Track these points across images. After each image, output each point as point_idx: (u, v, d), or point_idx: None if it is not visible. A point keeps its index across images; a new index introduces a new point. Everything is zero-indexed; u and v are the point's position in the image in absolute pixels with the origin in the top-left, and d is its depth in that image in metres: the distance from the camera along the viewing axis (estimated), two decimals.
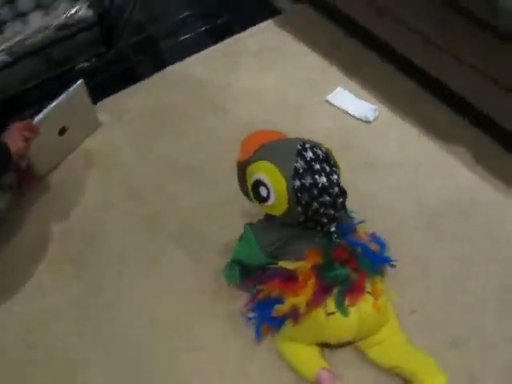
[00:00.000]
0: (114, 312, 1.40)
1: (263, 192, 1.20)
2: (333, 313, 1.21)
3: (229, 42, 2.06)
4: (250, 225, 1.32)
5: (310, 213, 1.18)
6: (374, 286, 1.24)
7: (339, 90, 1.83)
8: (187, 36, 2.12)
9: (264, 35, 2.06)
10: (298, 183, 1.16)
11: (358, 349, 1.29)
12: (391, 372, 1.25)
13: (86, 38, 2.02)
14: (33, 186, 1.66)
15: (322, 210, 1.18)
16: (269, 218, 1.29)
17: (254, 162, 1.22)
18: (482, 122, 1.64)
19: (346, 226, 1.27)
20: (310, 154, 1.19)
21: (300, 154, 1.18)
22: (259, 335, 1.32)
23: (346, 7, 1.91)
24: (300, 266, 1.22)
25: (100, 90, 1.87)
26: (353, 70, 1.90)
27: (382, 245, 1.30)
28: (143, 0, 1.99)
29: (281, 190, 1.17)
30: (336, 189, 1.19)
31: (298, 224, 1.22)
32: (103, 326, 1.38)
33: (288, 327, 1.28)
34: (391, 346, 1.26)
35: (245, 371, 1.30)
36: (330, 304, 1.21)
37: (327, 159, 1.21)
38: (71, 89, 1.61)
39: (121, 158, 1.73)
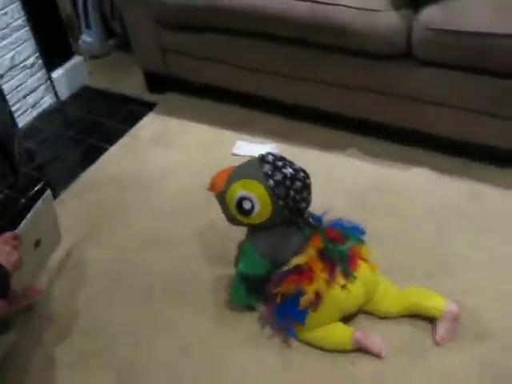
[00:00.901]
0: None
1: (247, 205, 1.42)
2: (345, 285, 1.44)
3: (125, 140, 2.30)
4: (245, 240, 1.52)
5: (291, 202, 1.41)
6: (364, 253, 1.51)
7: (239, 142, 2.17)
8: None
9: (151, 127, 2.35)
10: (271, 182, 1.39)
11: (368, 312, 1.53)
12: (402, 315, 1.52)
13: None
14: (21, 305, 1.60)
15: (298, 196, 1.41)
16: (253, 230, 1.51)
17: (229, 186, 1.46)
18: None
19: (318, 217, 1.54)
20: (270, 158, 1.45)
21: (263, 161, 1.44)
22: (293, 333, 1.49)
23: (215, 80, 2.31)
24: (307, 256, 1.43)
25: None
26: (241, 125, 2.26)
27: (350, 221, 1.58)
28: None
29: (262, 195, 1.40)
30: (301, 173, 1.44)
31: (284, 220, 1.45)
32: None
33: (311, 317, 1.46)
34: (391, 296, 1.53)
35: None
36: (339, 279, 1.44)
37: (282, 156, 1.47)
38: (41, 200, 1.59)
39: None
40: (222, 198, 1.50)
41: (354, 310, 1.52)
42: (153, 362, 1.53)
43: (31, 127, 2.44)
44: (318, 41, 1.95)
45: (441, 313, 1.46)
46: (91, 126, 2.41)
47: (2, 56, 2.26)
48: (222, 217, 1.53)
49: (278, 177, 1.40)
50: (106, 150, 2.25)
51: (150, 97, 2.51)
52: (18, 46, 2.32)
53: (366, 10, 1.83)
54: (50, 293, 1.74)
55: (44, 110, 2.51)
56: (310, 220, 1.50)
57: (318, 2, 1.87)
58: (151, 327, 1.62)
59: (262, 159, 1.45)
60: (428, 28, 1.76)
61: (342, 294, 1.45)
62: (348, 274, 1.45)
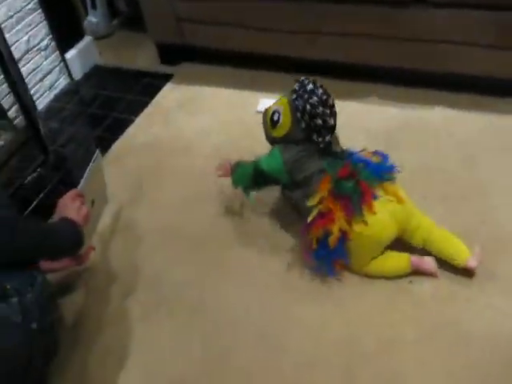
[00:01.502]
0: None
1: (275, 117, 1.64)
2: (365, 221, 1.53)
3: (149, 110, 2.37)
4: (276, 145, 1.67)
5: (307, 115, 1.57)
6: (386, 190, 1.57)
7: (262, 100, 2.27)
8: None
9: (172, 96, 2.43)
10: (294, 95, 1.60)
11: (405, 243, 1.63)
12: (428, 250, 1.61)
13: (24, 154, 2.20)
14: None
15: (313, 110, 1.56)
16: (283, 143, 1.65)
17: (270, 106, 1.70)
18: None
19: (347, 151, 1.66)
20: (302, 78, 1.64)
21: (296, 81, 1.65)
22: (332, 272, 1.61)
23: (232, 45, 2.39)
24: (319, 196, 1.55)
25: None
26: (262, 86, 2.36)
27: (385, 156, 1.65)
28: None
29: (285, 106, 1.62)
30: (320, 90, 1.59)
31: (304, 137, 1.59)
32: None
33: (356, 257, 1.59)
34: (425, 228, 1.61)
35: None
36: (360, 217, 1.53)
37: (314, 90, 1.60)
38: (92, 161, 1.65)
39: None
40: (264, 115, 1.71)
41: (390, 240, 1.59)
42: (219, 307, 1.61)
43: (50, 109, 2.50)
44: None
45: (462, 265, 1.57)
46: (110, 101, 2.48)
47: (19, 40, 2.32)
48: None
49: (301, 91, 1.60)
50: (132, 121, 2.33)
51: (164, 69, 2.58)
52: (32, 29, 2.37)
53: None
54: (108, 253, 1.82)
55: (60, 91, 2.57)
56: (334, 149, 1.64)
57: None
58: (210, 274, 1.70)
59: (295, 81, 1.65)
60: None
61: (371, 229, 1.53)
62: (358, 212, 1.53)
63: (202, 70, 2.53)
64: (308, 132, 1.59)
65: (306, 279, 1.64)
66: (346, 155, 1.64)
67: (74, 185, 1.59)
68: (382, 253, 1.61)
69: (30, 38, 2.37)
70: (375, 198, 1.54)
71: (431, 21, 2.01)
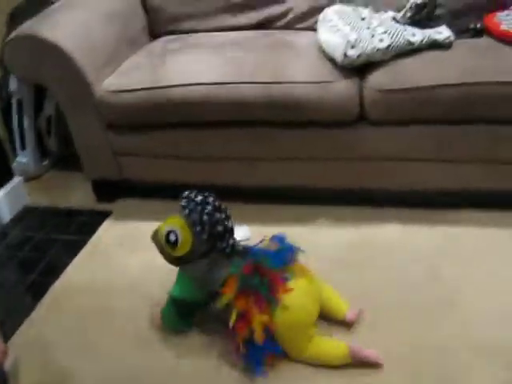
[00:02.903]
0: None
1: (172, 237, 1.66)
2: (285, 306, 1.59)
3: (87, 249, 2.25)
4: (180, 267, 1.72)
5: (207, 226, 1.63)
6: (293, 271, 1.67)
7: None
8: None
9: (111, 234, 2.33)
10: (186, 211, 1.65)
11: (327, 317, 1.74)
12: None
13: None
14: None
15: (212, 219, 1.64)
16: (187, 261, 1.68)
17: (159, 227, 1.72)
18: None
19: (247, 247, 1.73)
20: (185, 193, 1.71)
21: (180, 197, 1.71)
22: (259, 371, 1.62)
23: (174, 177, 2.37)
24: (227, 298, 1.59)
25: None
26: None
27: (281, 239, 1.75)
28: None
29: (181, 225, 1.65)
30: (211, 198, 1.69)
31: (208, 248, 1.66)
32: None
33: (289, 345, 1.62)
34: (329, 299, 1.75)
35: None
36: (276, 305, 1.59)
37: (199, 190, 1.72)
38: None
39: None
40: (155, 239, 1.73)
41: (313, 316, 1.67)
42: None
43: None
44: (274, 119, 2.12)
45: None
46: (44, 243, 2.34)
47: None
48: None
49: (191, 206, 1.67)
50: (69, 262, 2.18)
51: (101, 206, 2.51)
52: None
53: (318, 82, 2.03)
54: None
55: None
56: (237, 247, 1.70)
57: (271, 83, 2.06)
58: None
59: (180, 197, 1.72)
60: (378, 90, 1.99)
61: (290, 313, 1.59)
62: (271, 300, 1.59)
63: (142, 205, 2.46)
64: (211, 242, 1.66)
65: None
66: (248, 251, 1.71)
67: None
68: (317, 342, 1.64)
69: None
70: (286, 279, 1.64)
71: (374, 139, 2.09)
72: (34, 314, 1.96)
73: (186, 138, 2.24)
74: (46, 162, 2.79)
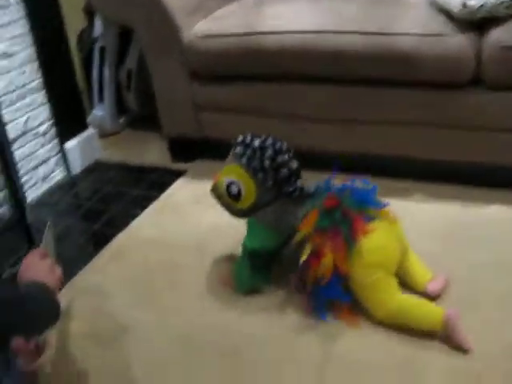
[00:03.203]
0: None
1: (234, 190, 1.51)
2: (362, 250, 1.41)
3: (158, 204, 2.10)
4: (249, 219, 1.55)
5: (270, 171, 1.46)
6: (376, 212, 1.48)
7: None
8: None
9: (185, 191, 2.17)
10: (244, 160, 1.49)
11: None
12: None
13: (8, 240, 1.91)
14: None
15: (274, 164, 1.46)
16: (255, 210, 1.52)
17: (217, 179, 1.57)
18: None
19: (327, 183, 1.53)
20: (239, 139, 1.54)
21: (234, 144, 1.55)
22: (324, 315, 1.46)
23: None
24: (303, 234, 1.43)
25: None
26: None
27: (365, 182, 1.54)
28: None
29: (241, 175, 1.49)
30: (269, 141, 1.49)
31: (275, 194, 1.49)
32: None
33: (366, 297, 1.43)
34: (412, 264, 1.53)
35: None
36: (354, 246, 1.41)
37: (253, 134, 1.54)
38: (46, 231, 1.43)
39: None
40: (215, 193, 1.58)
41: (396, 261, 1.47)
42: None
43: (41, 200, 2.21)
44: (375, 75, 1.90)
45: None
46: (112, 196, 2.20)
47: (16, 118, 2.09)
48: None
49: (249, 152, 1.49)
50: (137, 215, 2.03)
51: (175, 166, 2.35)
52: (32, 110, 2.16)
53: (430, 35, 1.81)
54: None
55: (55, 184, 2.30)
56: (306, 189, 1.52)
57: (376, 33, 1.85)
58: None
59: (234, 142, 1.55)
60: (500, 47, 1.74)
61: (370, 255, 1.41)
62: (348, 239, 1.42)
63: (220, 166, 2.28)
64: (277, 187, 1.49)
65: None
66: (326, 187, 1.52)
67: None
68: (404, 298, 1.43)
69: (28, 120, 2.14)
70: (369, 220, 1.45)
71: (489, 106, 1.83)
72: (95, 262, 1.82)
73: (275, 93, 2.06)
74: (122, 120, 2.67)
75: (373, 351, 1.37)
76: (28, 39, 2.11)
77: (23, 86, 2.11)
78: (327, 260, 1.40)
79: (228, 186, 1.52)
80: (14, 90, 2.07)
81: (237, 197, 1.51)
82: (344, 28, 1.89)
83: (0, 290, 1.10)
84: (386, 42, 1.83)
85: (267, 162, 1.47)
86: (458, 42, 1.79)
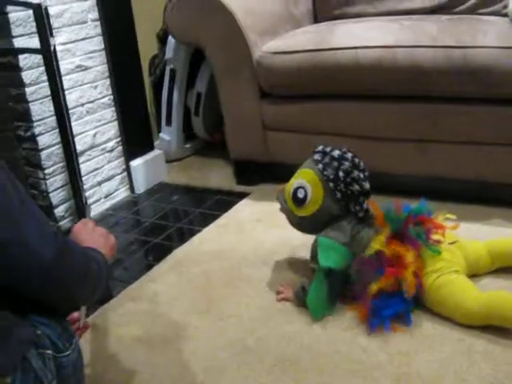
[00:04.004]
0: None
1: (301, 194, 1.49)
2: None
3: (221, 221, 2.06)
4: (316, 238, 1.49)
5: (341, 184, 1.44)
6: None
7: None
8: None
9: (249, 210, 2.12)
10: (320, 165, 1.47)
11: None
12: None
13: None
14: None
15: (348, 178, 1.44)
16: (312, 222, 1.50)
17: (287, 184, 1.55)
18: None
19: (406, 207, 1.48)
20: (320, 147, 1.53)
21: (314, 151, 1.53)
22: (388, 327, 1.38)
23: None
24: (378, 242, 1.39)
25: None
26: None
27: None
28: None
29: (312, 179, 1.47)
30: (349, 154, 1.48)
31: (339, 209, 1.46)
32: None
33: (448, 302, 1.37)
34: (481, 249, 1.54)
35: None
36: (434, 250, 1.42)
37: (343, 155, 1.49)
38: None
39: None
40: (281, 197, 1.56)
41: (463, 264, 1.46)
42: None
43: (104, 217, 2.20)
44: (455, 90, 1.82)
45: None
46: (175, 214, 2.18)
47: (85, 132, 2.12)
48: None
49: (326, 159, 1.48)
50: (199, 231, 1.99)
51: (240, 188, 2.31)
52: (101, 125, 2.19)
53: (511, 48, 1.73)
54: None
55: (118, 202, 2.29)
56: (371, 212, 1.49)
57: (455, 47, 1.78)
58: None
59: (314, 150, 1.53)
60: None
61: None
62: (430, 247, 1.42)
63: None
64: (344, 202, 1.46)
65: None
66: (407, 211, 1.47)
67: None
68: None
69: (96, 134, 2.17)
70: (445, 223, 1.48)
71: None
72: (153, 272, 1.78)
73: (346, 111, 2.00)
74: (188, 145, 2.67)
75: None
76: (103, 56, 2.16)
77: (94, 100, 2.15)
78: (409, 271, 1.36)
79: (295, 191, 1.50)
80: (85, 103, 2.11)
81: (302, 201, 1.48)
82: (421, 42, 1.84)
83: (74, 244, 1.03)
84: (465, 54, 1.76)
85: (341, 174, 1.45)
86: None
